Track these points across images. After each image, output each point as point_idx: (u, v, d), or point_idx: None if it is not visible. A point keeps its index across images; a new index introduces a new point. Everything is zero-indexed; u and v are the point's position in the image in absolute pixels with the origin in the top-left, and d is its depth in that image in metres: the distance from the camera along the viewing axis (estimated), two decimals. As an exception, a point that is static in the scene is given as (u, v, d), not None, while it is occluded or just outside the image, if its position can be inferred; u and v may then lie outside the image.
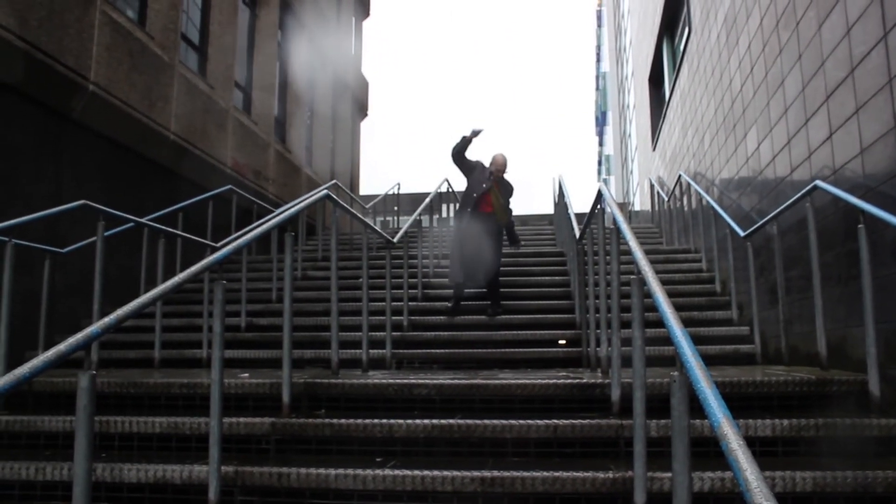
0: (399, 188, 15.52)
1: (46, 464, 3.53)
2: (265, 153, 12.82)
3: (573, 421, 3.73)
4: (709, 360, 2.27)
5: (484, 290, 7.45)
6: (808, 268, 4.90)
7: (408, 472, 3.31)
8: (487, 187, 7.50)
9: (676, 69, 12.07)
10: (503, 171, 7.65)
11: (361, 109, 21.15)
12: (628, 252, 3.32)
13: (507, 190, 7.77)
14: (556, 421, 3.73)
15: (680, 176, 10.29)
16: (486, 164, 7.73)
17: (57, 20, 6.97)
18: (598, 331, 4.80)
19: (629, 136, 27.80)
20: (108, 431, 3.96)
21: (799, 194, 4.93)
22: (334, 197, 5.11)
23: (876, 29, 4.25)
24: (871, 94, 4.33)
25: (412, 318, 7.02)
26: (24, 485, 3.53)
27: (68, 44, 7.14)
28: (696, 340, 2.29)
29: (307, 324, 6.94)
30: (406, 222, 7.51)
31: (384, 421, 3.81)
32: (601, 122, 46.58)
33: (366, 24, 22.23)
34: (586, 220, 5.24)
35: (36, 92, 6.89)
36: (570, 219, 7.44)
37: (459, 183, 13.49)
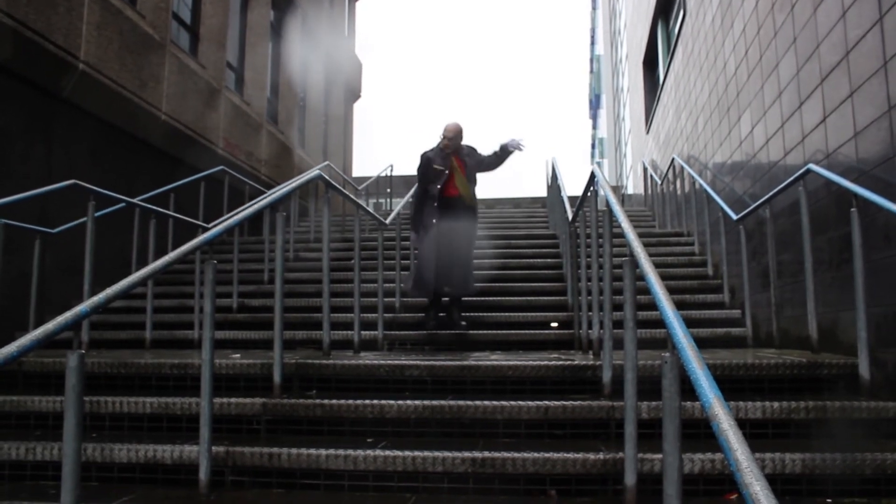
0: (392, 170, 15.49)
1: (36, 444, 3.51)
2: (257, 134, 12.75)
3: (564, 402, 3.73)
4: (700, 343, 2.28)
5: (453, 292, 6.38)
6: (800, 251, 4.91)
7: (399, 453, 3.31)
8: (447, 168, 6.40)
9: (671, 52, 12.03)
10: (458, 140, 6.47)
11: (354, 91, 21.04)
12: (621, 235, 3.31)
13: (470, 157, 6.58)
14: (547, 402, 3.73)
15: (673, 159, 10.28)
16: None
17: (46, -3, 6.88)
18: (591, 313, 4.81)
19: (623, 119, 27.77)
20: (98, 412, 3.94)
21: (792, 178, 4.93)
22: (326, 178, 5.09)
23: (871, 12, 4.24)
24: (865, 78, 4.32)
25: (404, 299, 7.02)
26: (14, 465, 3.52)
27: (57, 22, 7.06)
28: (688, 323, 2.29)
29: (299, 305, 6.94)
30: (398, 204, 7.50)
31: (375, 402, 3.81)
32: (595, 104, 46.50)
33: (359, 4, 22.07)
34: (579, 202, 5.23)
35: (25, 71, 6.81)
36: (563, 201, 7.43)
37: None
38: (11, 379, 4.52)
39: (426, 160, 6.48)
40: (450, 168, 6.41)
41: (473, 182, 6.64)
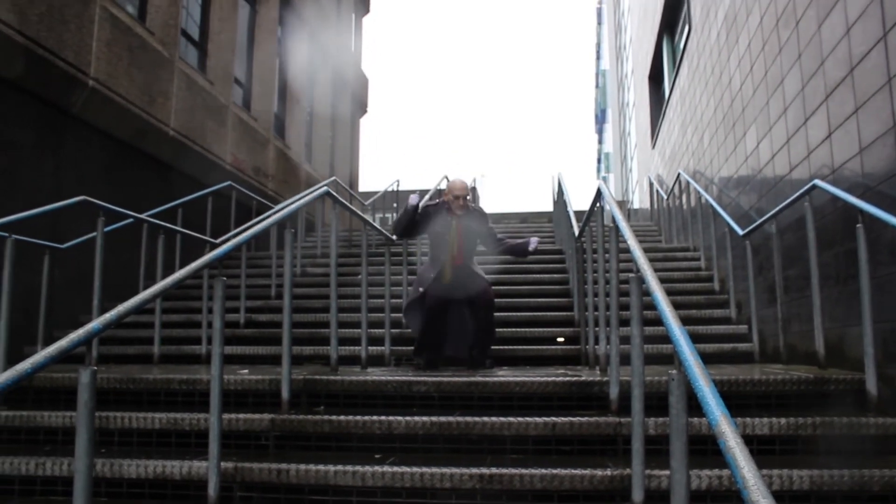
0: (398, 185, 15.51)
1: (46, 459, 3.54)
2: (265, 150, 12.82)
3: (572, 418, 3.74)
4: (707, 359, 2.28)
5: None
6: (806, 267, 4.92)
7: (407, 469, 3.32)
8: (446, 233, 5.62)
9: (676, 67, 12.07)
10: (465, 197, 5.68)
11: (361, 106, 21.14)
12: (627, 250, 3.33)
13: (474, 222, 5.74)
14: (554, 418, 3.74)
15: (679, 174, 10.30)
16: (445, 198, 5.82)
17: (57, 15, 6.97)
18: (597, 329, 4.81)
19: (629, 133, 27.81)
20: (107, 427, 3.96)
21: (798, 193, 4.94)
22: (334, 194, 5.12)
23: (875, 28, 4.26)
24: (870, 94, 4.34)
25: (411, 315, 7.01)
26: (24, 480, 3.54)
27: (68, 39, 7.14)
28: (695, 339, 2.30)
29: (306, 320, 6.95)
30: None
31: (383, 418, 3.82)
32: (601, 119, 46.56)
33: (366, 20, 22.21)
34: (585, 217, 5.25)
35: (36, 87, 6.89)
36: (569, 216, 7.45)
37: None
38: (22, 394, 4.54)
39: (426, 213, 5.75)
40: (449, 234, 5.62)
41: (473, 249, 5.81)
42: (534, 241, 5.74)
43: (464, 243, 5.64)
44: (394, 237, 6.24)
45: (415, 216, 5.71)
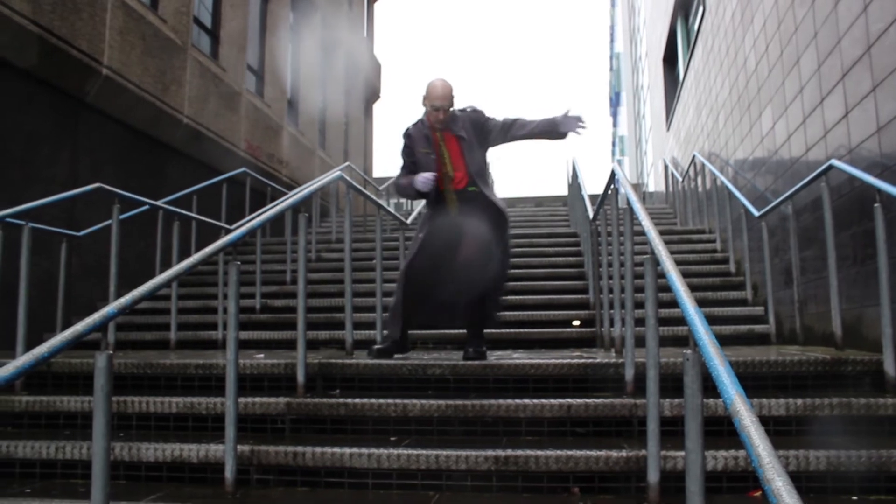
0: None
1: (66, 443, 3.57)
2: (278, 136, 12.83)
3: (587, 400, 3.73)
4: (723, 341, 2.27)
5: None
6: (823, 247, 4.88)
7: (422, 451, 3.33)
8: (432, 151, 4.57)
9: (691, 49, 11.96)
10: (447, 108, 4.50)
11: (374, 92, 21.11)
12: (642, 232, 3.31)
13: (471, 129, 4.60)
14: (569, 400, 3.74)
15: (694, 156, 10.22)
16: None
17: (70, 4, 6.98)
18: (612, 311, 4.80)
19: (643, 116, 27.64)
20: (125, 412, 4.00)
21: (814, 174, 4.89)
22: (348, 178, 5.12)
23: (893, 5, 4.20)
24: (888, 72, 4.28)
25: (426, 299, 7.01)
26: (45, 463, 3.58)
27: (81, 28, 7.16)
28: (710, 321, 2.29)
29: (321, 305, 6.98)
30: (420, 204, 7.51)
31: (398, 401, 3.83)
32: (615, 102, 46.31)
33: (377, 5, 22.14)
34: (600, 200, 5.22)
35: (50, 76, 6.92)
36: (583, 199, 7.42)
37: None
38: (41, 379, 4.59)
39: (407, 140, 4.74)
40: (436, 151, 4.58)
41: (479, 164, 4.62)
42: (569, 120, 4.50)
43: (464, 156, 4.55)
44: (408, 222, 6.19)
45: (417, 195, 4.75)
